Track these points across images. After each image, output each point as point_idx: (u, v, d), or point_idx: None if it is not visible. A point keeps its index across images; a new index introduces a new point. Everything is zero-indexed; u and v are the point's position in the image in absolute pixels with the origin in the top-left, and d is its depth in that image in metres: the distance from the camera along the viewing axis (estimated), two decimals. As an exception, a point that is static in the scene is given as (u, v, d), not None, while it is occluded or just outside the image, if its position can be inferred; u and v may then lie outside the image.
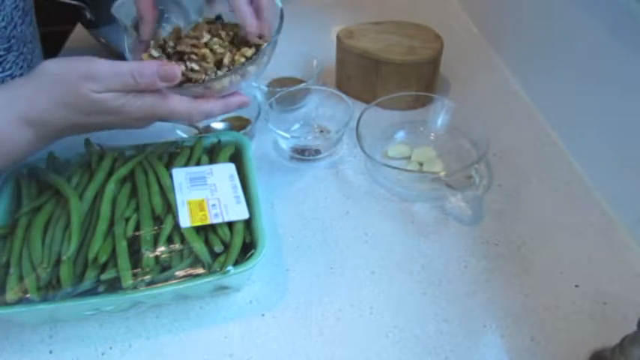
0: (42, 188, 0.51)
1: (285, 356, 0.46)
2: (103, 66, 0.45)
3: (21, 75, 0.64)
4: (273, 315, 0.49)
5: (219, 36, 0.54)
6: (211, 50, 0.52)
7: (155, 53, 0.53)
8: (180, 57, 0.52)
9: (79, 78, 0.44)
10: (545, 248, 0.55)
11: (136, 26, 0.55)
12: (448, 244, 0.55)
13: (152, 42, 0.55)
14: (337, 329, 0.48)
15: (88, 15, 0.77)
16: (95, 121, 0.47)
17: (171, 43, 0.54)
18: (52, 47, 0.80)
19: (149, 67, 0.46)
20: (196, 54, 0.52)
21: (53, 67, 0.45)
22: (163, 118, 0.49)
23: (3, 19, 0.60)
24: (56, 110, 0.45)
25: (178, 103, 0.48)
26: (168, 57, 0.53)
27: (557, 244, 0.55)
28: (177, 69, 0.47)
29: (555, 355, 0.46)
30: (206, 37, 0.53)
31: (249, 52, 0.53)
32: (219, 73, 0.51)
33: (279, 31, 0.53)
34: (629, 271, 0.52)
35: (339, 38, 0.73)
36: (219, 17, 0.58)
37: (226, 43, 0.54)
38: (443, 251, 0.54)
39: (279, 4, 0.54)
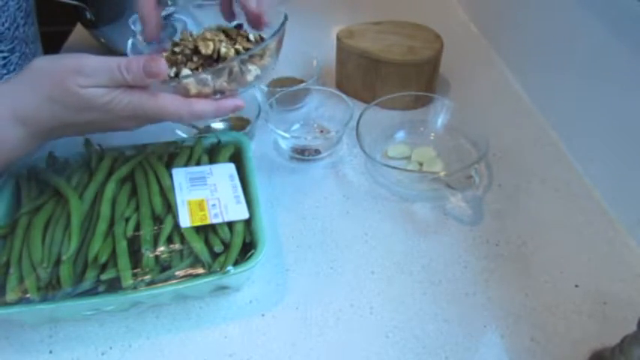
0: (42, 188, 0.51)
1: (285, 356, 0.46)
2: (91, 61, 0.44)
3: None
4: (273, 315, 0.49)
5: (230, 39, 0.52)
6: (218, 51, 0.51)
7: (186, 72, 0.51)
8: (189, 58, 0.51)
9: (66, 72, 0.43)
10: (545, 248, 0.55)
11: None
12: (448, 244, 0.55)
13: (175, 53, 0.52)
14: (337, 329, 0.48)
15: (88, 15, 0.77)
16: (84, 118, 0.46)
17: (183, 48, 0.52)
18: (52, 47, 0.80)
19: (136, 62, 0.44)
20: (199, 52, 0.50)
21: (42, 63, 0.45)
22: (152, 118, 0.48)
23: (7, 20, 0.60)
24: (43, 106, 0.44)
25: (168, 101, 0.47)
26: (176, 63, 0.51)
27: (557, 244, 0.55)
28: (163, 64, 0.45)
29: (555, 355, 0.46)
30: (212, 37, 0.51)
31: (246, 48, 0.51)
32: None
33: (279, 31, 0.51)
34: (629, 271, 0.52)
35: (339, 38, 0.73)
36: (239, 25, 0.55)
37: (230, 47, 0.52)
38: (443, 251, 0.54)
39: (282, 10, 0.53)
